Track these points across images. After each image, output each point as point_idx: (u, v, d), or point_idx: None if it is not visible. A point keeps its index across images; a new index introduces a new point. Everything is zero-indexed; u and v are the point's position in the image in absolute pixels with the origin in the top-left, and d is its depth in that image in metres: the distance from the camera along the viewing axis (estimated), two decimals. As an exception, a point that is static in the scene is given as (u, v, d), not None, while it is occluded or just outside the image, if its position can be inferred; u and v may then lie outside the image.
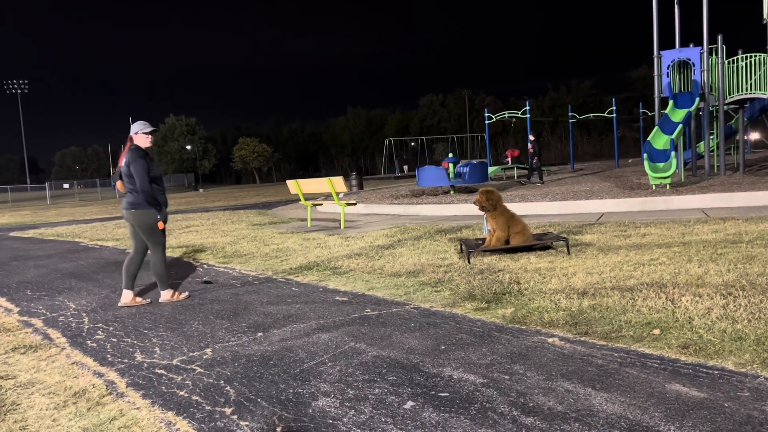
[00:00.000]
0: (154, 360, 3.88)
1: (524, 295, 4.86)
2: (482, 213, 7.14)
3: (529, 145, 20.66)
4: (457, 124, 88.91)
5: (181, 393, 3.25)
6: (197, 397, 3.17)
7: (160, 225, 5.37)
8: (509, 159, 26.50)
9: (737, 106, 16.49)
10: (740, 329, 3.59)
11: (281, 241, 9.90)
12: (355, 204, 12.46)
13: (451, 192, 17.03)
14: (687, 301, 4.28)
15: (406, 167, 63.37)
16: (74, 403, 3.21)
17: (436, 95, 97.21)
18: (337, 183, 11.43)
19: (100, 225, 17.00)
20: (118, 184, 5.54)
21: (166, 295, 5.63)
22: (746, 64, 14.68)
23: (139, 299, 5.65)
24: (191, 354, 3.96)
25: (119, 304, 5.60)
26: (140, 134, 5.40)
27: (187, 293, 5.83)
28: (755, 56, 14.48)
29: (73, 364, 3.92)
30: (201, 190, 58.90)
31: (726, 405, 2.63)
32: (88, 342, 4.42)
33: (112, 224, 16.90)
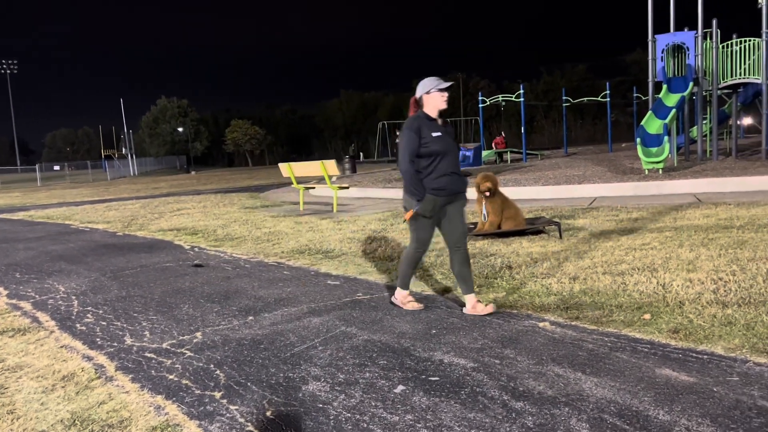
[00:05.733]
0: (143, 343, 3.86)
1: (516, 280, 4.86)
2: (476, 197, 7.11)
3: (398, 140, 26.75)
4: (451, 108, 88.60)
5: (171, 377, 3.23)
6: (187, 381, 3.15)
7: (407, 215, 4.07)
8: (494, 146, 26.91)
9: (731, 90, 16.48)
10: (730, 314, 3.60)
11: (273, 224, 9.86)
12: (347, 188, 12.42)
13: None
14: (678, 285, 4.29)
15: (361, 153, 64.82)
16: (63, 387, 3.19)
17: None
18: (330, 166, 11.37)
19: (91, 207, 16.89)
20: None
21: (398, 294, 4.39)
22: (740, 48, 14.63)
23: (482, 307, 4.08)
24: (181, 338, 3.94)
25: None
26: (433, 93, 4.03)
27: (420, 306, 4.34)
28: (749, 41, 14.43)
29: (62, 347, 3.89)
30: (193, 173, 58.54)
31: (715, 389, 2.64)
32: (78, 325, 4.40)
33: (103, 206, 16.79)
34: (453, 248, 4.13)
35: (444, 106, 4.07)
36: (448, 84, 4.05)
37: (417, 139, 3.98)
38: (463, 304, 4.23)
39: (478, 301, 4.14)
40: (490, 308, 4.04)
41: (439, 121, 4.07)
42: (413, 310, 4.29)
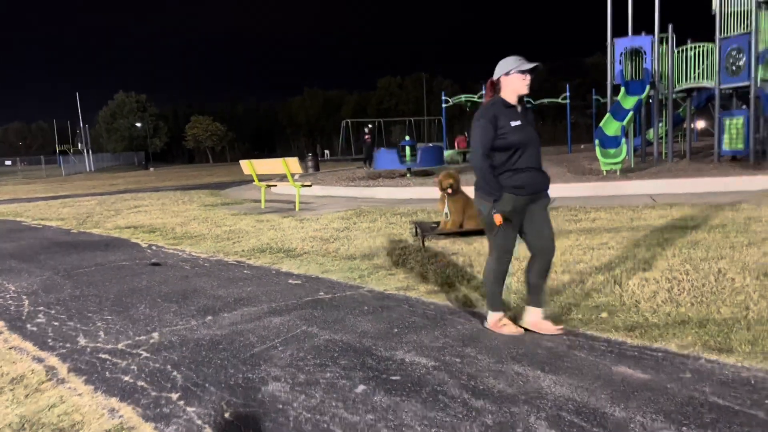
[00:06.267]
0: (98, 344, 3.76)
1: (477, 279, 4.89)
2: (439, 196, 7.15)
3: (367, 136, 26.88)
4: (415, 107, 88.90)
5: (126, 378, 3.15)
6: (143, 383, 3.08)
7: (497, 219, 3.48)
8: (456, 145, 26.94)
9: (685, 94, 16.94)
10: (684, 312, 3.70)
11: (234, 222, 9.73)
12: (310, 186, 12.35)
13: (408, 175, 17.05)
14: (634, 284, 4.38)
15: (327, 152, 65.73)
16: (11, 390, 3.07)
17: (393, 77, 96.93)
18: (292, 164, 11.28)
19: (45, 204, 16.39)
20: None
21: (490, 318, 3.70)
22: (695, 53, 15.05)
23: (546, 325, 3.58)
24: (137, 338, 3.84)
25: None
26: (513, 74, 3.45)
27: (520, 330, 3.60)
28: (704, 46, 14.85)
29: (10, 348, 3.75)
30: (152, 170, 57.33)
31: (669, 386, 2.70)
32: (28, 326, 4.25)
33: (57, 203, 16.31)
34: (539, 254, 3.58)
35: (525, 90, 3.49)
36: (531, 65, 3.44)
37: (492, 130, 3.43)
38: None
39: (546, 318, 3.65)
40: (559, 329, 3.53)
41: (519, 108, 3.52)
42: (511, 334, 3.56)
